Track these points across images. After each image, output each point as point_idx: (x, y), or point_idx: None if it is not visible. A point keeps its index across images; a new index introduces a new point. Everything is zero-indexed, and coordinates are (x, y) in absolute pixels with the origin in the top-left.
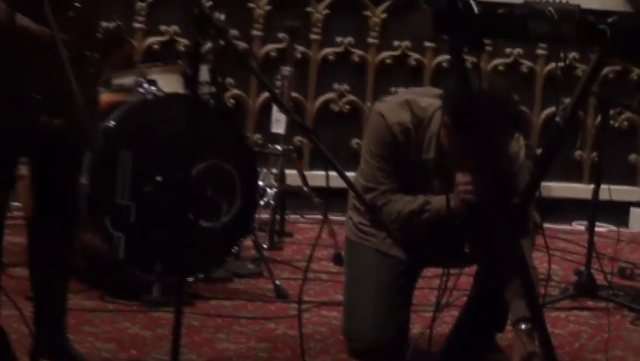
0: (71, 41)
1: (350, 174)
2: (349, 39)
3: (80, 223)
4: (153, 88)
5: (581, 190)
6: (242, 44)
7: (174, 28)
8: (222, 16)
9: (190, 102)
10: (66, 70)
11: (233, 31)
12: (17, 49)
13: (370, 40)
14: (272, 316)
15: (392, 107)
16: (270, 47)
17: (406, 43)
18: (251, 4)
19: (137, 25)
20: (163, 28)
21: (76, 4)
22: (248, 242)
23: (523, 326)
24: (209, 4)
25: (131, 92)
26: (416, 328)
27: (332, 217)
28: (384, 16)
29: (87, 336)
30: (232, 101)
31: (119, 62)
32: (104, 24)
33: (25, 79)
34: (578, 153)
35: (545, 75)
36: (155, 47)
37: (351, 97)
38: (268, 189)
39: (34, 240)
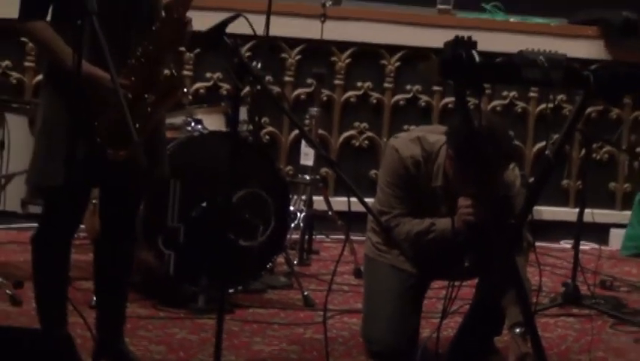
0: (131, 85)
1: (368, 200)
2: (368, 84)
3: (136, 243)
4: (199, 126)
5: (568, 213)
6: (275, 89)
7: (218, 75)
8: (259, 65)
9: (231, 138)
10: (124, 110)
11: (268, 78)
12: (85, 92)
13: (386, 84)
14: (301, 322)
15: (405, 142)
16: (300, 90)
17: (417, 87)
18: (283, 55)
19: (185, 72)
20: (208, 75)
21: (138, 53)
22: (280, 259)
23: (517, 330)
24: (247, 54)
25: (180, 130)
26: (425, 332)
27: (353, 237)
28: (398, 64)
29: (141, 340)
30: (267, 137)
31: (174, 104)
32: (163, 71)
33: (94, 118)
34: (565, 181)
35: (537, 114)
36: (202, 91)
37: (370, 134)
38: (298, 213)
39: (99, 257)
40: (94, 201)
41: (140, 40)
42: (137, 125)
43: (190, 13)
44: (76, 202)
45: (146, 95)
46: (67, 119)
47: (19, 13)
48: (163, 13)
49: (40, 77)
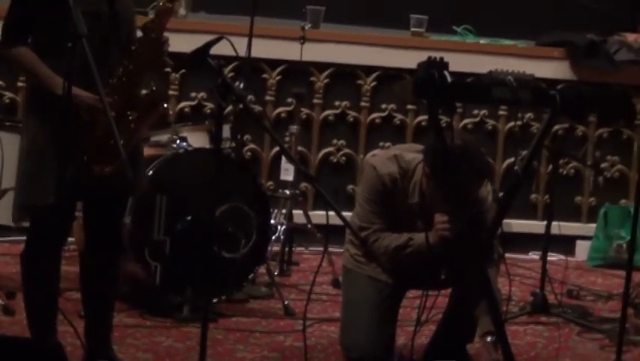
0: (114, 104)
1: (346, 214)
2: (345, 103)
3: (124, 255)
4: (184, 143)
5: (536, 226)
6: (257, 107)
7: (202, 94)
8: (241, 85)
9: (214, 155)
10: (112, 127)
11: (250, 97)
12: (73, 114)
13: (362, 103)
14: (281, 330)
15: (382, 160)
16: (281, 109)
17: (392, 105)
18: (265, 75)
19: (171, 92)
20: (193, 94)
21: (119, 73)
22: (262, 270)
23: (489, 338)
24: (230, 75)
25: (166, 147)
26: (401, 339)
27: (331, 249)
28: (373, 84)
29: (129, 348)
30: (249, 154)
31: (156, 119)
32: (143, 90)
33: (80, 137)
34: (533, 195)
35: (506, 132)
36: (186, 110)
37: (347, 150)
38: (278, 226)
39: (86, 269)
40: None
41: (120, 61)
42: (122, 142)
43: (175, 36)
44: (64, 218)
45: (128, 113)
46: (54, 139)
47: (0, 38)
48: (141, 34)
49: None
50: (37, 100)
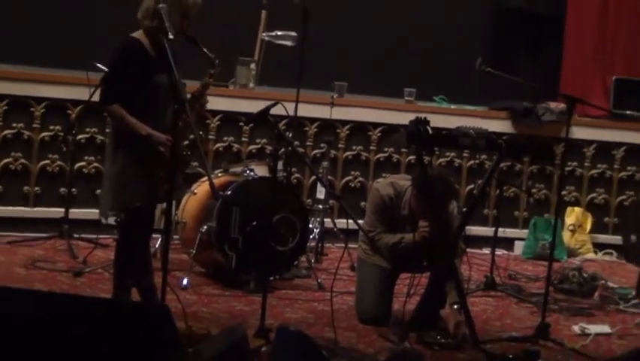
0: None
1: (360, 221)
2: (360, 147)
3: (211, 248)
4: (252, 173)
5: (487, 231)
6: (301, 150)
7: (264, 140)
8: (290, 134)
9: (272, 181)
10: (202, 158)
11: (296, 142)
12: (152, 149)
13: (371, 147)
14: (316, 299)
15: (383, 185)
16: (316, 151)
17: (391, 149)
18: (306, 128)
19: (243, 139)
20: (258, 140)
21: (180, 124)
22: (303, 258)
23: (455, 306)
24: (283, 127)
25: (240, 175)
26: (395, 306)
27: (350, 245)
28: (379, 134)
29: (213, 310)
30: (295, 180)
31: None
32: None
33: (156, 165)
34: (485, 210)
35: (468, 167)
36: (253, 150)
37: (361, 179)
38: (314, 229)
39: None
40: (184, 221)
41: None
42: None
43: (246, 101)
44: (147, 216)
45: (184, 153)
46: (137, 165)
47: (102, 98)
48: (191, 99)
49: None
50: (124, 139)
